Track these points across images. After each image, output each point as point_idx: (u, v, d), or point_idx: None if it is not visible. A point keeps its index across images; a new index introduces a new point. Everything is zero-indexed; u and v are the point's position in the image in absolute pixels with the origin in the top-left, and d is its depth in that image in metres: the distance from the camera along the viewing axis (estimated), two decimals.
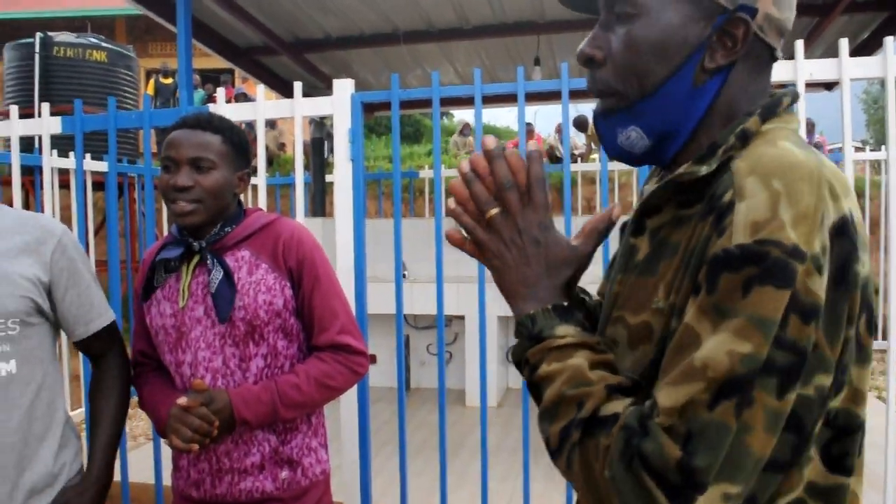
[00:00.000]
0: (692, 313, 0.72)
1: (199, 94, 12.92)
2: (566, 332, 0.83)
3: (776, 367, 0.67)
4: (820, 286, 0.68)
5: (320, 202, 6.98)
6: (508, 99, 4.61)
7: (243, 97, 11.45)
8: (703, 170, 0.79)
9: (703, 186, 0.79)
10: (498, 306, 3.60)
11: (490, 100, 3.40)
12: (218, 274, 1.67)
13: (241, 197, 1.85)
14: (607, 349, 0.84)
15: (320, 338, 1.70)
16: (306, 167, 11.83)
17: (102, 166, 4.89)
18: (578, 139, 12.68)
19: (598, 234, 0.92)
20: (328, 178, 6.90)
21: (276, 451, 1.71)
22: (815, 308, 0.68)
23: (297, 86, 2.96)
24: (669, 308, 0.78)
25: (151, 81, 13.44)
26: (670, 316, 0.78)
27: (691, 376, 0.69)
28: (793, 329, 0.68)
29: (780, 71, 2.45)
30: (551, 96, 5.51)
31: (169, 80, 13.40)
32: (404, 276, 6.25)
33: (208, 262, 1.69)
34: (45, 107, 3.29)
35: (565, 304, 0.86)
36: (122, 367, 1.79)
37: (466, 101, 5.38)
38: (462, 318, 5.03)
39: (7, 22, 17.71)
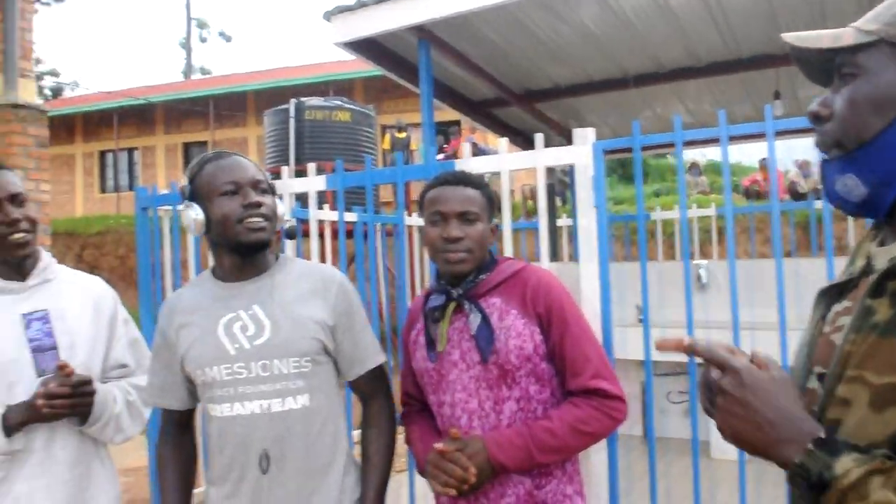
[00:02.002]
0: None
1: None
2: (846, 466, 0.83)
3: None
4: None
5: (552, 246, 7.05)
6: (748, 137, 4.43)
7: (474, 147, 11.93)
8: None
9: None
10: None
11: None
12: (476, 318, 1.75)
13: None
14: (886, 458, 0.83)
15: (573, 383, 1.72)
16: (531, 212, 12.04)
17: (351, 216, 5.29)
18: None
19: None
20: (559, 222, 6.96)
21: (530, 495, 1.73)
22: None
23: (539, 137, 3.04)
24: None
25: (387, 136, 14.38)
26: None
27: None
28: None
29: None
30: (793, 132, 5.21)
31: (403, 135, 14.27)
32: (640, 320, 6.10)
33: (466, 307, 1.78)
34: (312, 167, 3.65)
35: (821, 434, 0.87)
36: (389, 407, 1.91)
37: (705, 142, 5.27)
38: (703, 366, 4.79)
39: (262, 92, 19.80)
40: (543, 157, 3.00)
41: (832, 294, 1.05)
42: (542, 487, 1.75)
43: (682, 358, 4.48)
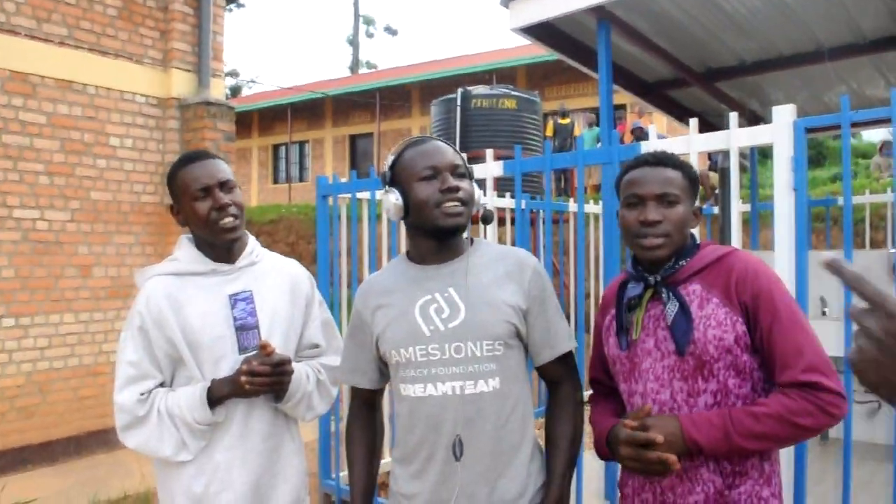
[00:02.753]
0: None
1: (594, 131, 13.35)
2: None
3: None
4: None
5: (728, 233, 6.71)
6: None
7: (639, 131, 11.58)
8: None
9: None
10: None
11: None
12: (673, 307, 1.66)
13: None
14: None
15: (783, 376, 1.58)
16: (703, 198, 11.55)
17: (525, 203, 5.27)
18: None
19: None
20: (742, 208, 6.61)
21: (720, 494, 1.62)
22: None
23: (733, 116, 2.87)
24: None
25: (550, 123, 14.26)
26: None
27: None
28: None
29: None
30: None
31: (566, 120, 14.11)
32: (823, 312, 5.69)
33: (663, 295, 1.69)
34: (489, 153, 3.65)
35: None
36: (576, 394, 1.87)
37: None
38: None
39: (426, 83, 20.21)
40: (738, 136, 2.83)
41: None
42: (734, 487, 1.63)
43: None
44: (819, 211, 8.42)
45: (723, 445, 1.57)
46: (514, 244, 4.39)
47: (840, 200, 6.63)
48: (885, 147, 12.20)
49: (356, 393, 1.98)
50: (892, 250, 4.98)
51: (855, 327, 0.77)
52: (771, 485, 1.68)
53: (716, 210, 6.93)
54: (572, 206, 6.42)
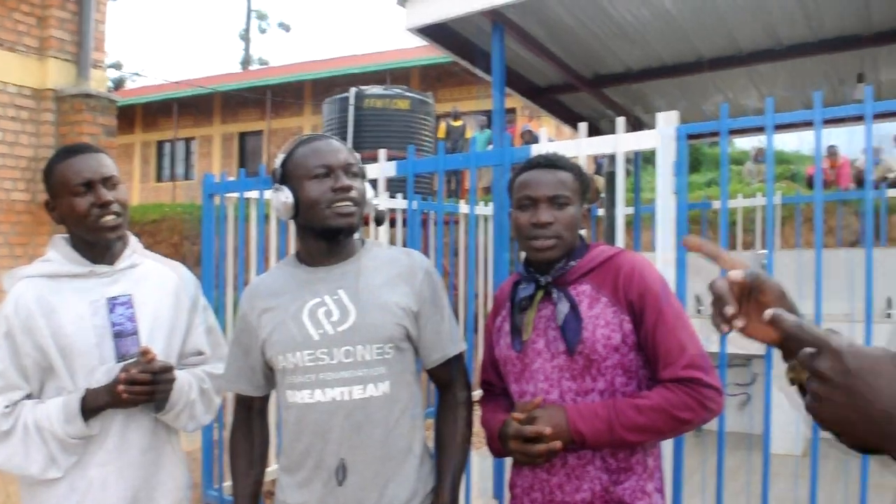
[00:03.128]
0: None
1: (486, 133, 13.52)
2: None
3: None
4: None
5: (611, 235, 6.92)
6: (841, 120, 4.22)
7: (528, 135, 11.82)
8: None
9: None
10: None
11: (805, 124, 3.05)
12: (564, 307, 1.69)
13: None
14: None
15: (665, 372, 1.63)
16: (589, 201, 11.83)
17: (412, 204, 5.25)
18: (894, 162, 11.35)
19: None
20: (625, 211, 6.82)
21: (606, 490, 1.66)
22: None
23: (620, 121, 2.95)
24: None
25: (443, 125, 14.33)
26: None
27: None
28: None
29: None
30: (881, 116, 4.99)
31: (459, 123, 14.23)
32: (699, 311, 5.98)
33: (554, 295, 1.71)
34: (382, 153, 3.61)
35: None
36: (467, 397, 1.87)
37: (790, 127, 5.04)
38: (762, 357, 4.64)
39: (319, 81, 19.95)
40: (624, 141, 2.91)
41: None
42: (619, 483, 1.67)
43: (741, 350, 4.36)
44: (696, 214, 8.81)
45: (605, 437, 1.60)
46: (405, 245, 4.37)
47: (715, 204, 6.96)
48: (759, 154, 12.90)
49: (241, 400, 1.90)
50: (762, 252, 5.27)
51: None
52: (654, 479, 1.73)
53: (601, 212, 7.14)
54: (464, 207, 6.46)
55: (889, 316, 5.41)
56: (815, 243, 2.58)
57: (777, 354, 0.89)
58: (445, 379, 1.86)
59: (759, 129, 2.82)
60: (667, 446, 2.51)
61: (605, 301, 1.68)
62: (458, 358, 1.85)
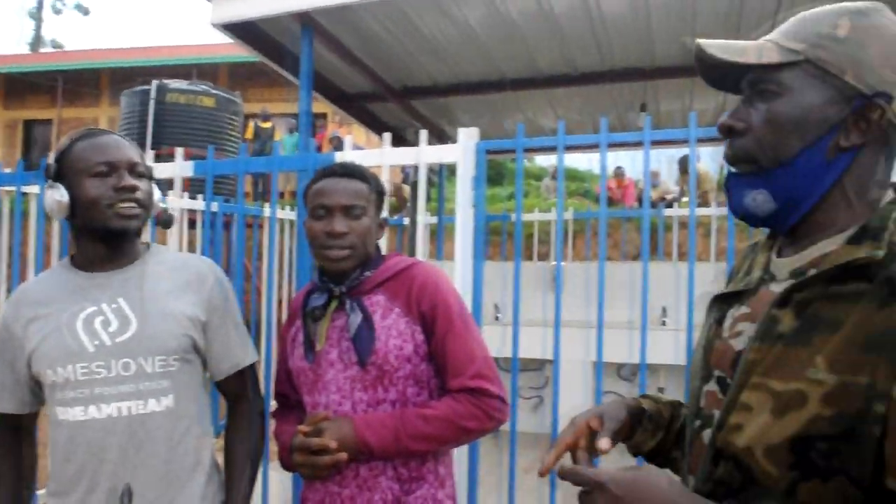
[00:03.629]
0: None
1: (295, 137, 13.31)
2: None
3: None
4: None
5: (414, 244, 7.09)
6: (625, 144, 4.62)
7: (336, 140, 11.79)
8: (880, 254, 0.85)
9: (865, 267, 0.86)
10: (587, 351, 3.55)
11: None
12: (356, 318, 1.69)
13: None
14: None
15: (454, 382, 1.67)
16: (394, 209, 12.06)
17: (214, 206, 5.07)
18: (671, 184, 12.49)
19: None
20: (429, 220, 7.00)
21: (398, 500, 1.67)
22: None
23: (423, 134, 3.02)
24: (841, 385, 0.82)
25: (251, 125, 13.94)
26: (846, 392, 0.81)
27: None
28: None
29: None
30: (666, 142, 5.48)
31: (268, 124, 13.91)
32: (497, 318, 6.25)
33: (347, 306, 1.71)
34: (179, 151, 3.45)
35: None
36: (258, 410, 1.83)
37: (579, 148, 5.43)
38: (552, 362, 4.97)
39: (119, 70, 18.74)
40: (426, 153, 2.98)
41: (726, 300, 1.07)
42: (411, 493, 1.68)
43: (534, 354, 4.62)
44: (497, 225, 9.21)
45: (392, 446, 1.62)
46: (204, 247, 4.21)
47: (514, 217, 7.31)
48: (556, 171, 13.72)
49: (4, 419, 1.71)
50: (555, 263, 5.62)
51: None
52: (445, 487, 1.76)
53: (406, 221, 7.28)
54: (267, 210, 6.33)
55: (664, 323, 5.92)
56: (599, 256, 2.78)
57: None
58: (236, 391, 1.79)
59: (552, 149, 3.01)
60: (462, 447, 2.58)
61: (398, 311, 1.69)
62: (250, 369, 1.80)
